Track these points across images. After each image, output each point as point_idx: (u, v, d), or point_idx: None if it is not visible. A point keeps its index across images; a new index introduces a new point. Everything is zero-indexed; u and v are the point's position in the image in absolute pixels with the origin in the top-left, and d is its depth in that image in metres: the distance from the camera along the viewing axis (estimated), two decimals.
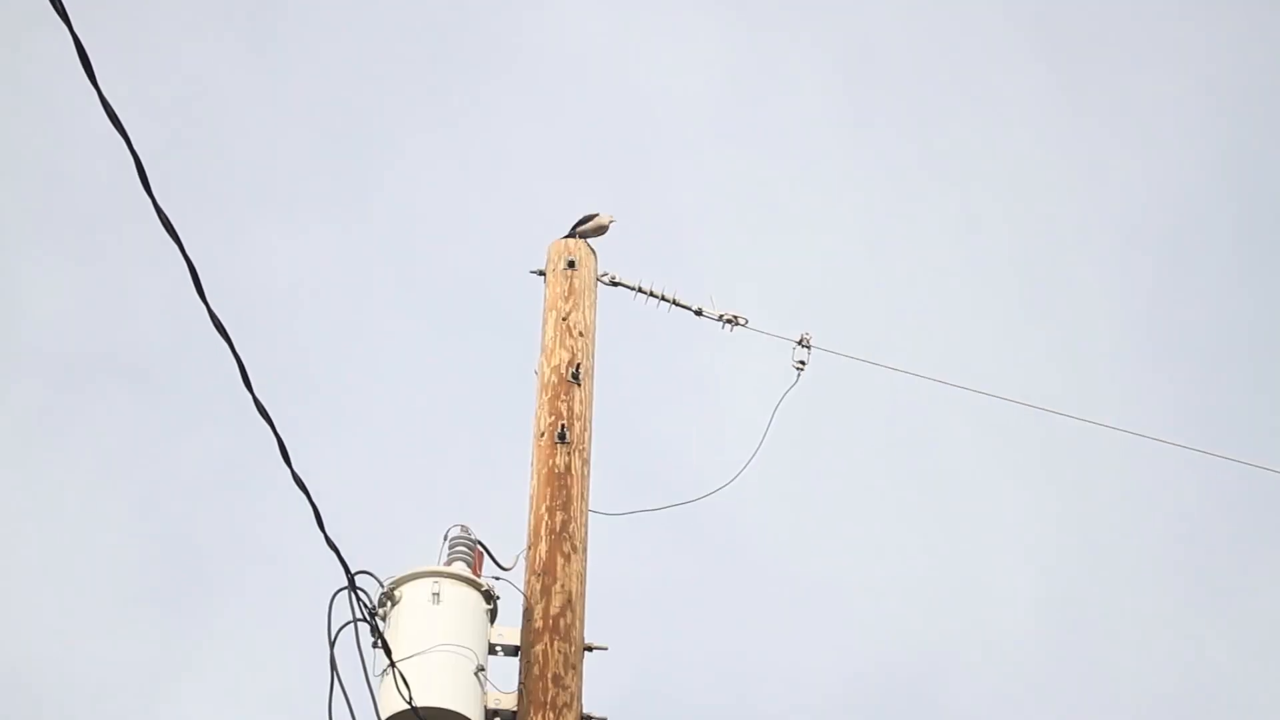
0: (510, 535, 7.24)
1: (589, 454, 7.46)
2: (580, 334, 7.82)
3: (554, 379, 7.63)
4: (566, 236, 8.32)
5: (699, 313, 8.48)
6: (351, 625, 6.19)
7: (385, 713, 6.34)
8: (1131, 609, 18.25)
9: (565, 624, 6.84)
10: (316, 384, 17.33)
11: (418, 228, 19.19)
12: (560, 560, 7.02)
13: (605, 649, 6.90)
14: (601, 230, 8.38)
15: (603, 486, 7.45)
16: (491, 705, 6.60)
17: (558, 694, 6.65)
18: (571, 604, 6.90)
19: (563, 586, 6.94)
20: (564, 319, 7.86)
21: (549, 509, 7.17)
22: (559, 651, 6.75)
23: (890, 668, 17.45)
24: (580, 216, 8.45)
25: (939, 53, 21.02)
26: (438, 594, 6.63)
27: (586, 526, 7.22)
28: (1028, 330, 19.57)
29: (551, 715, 6.58)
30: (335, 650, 6.12)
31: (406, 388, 17.21)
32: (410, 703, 6.26)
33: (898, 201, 20.22)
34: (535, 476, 7.34)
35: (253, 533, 16.76)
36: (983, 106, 21.05)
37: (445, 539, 7.01)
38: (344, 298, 19.04)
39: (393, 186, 19.92)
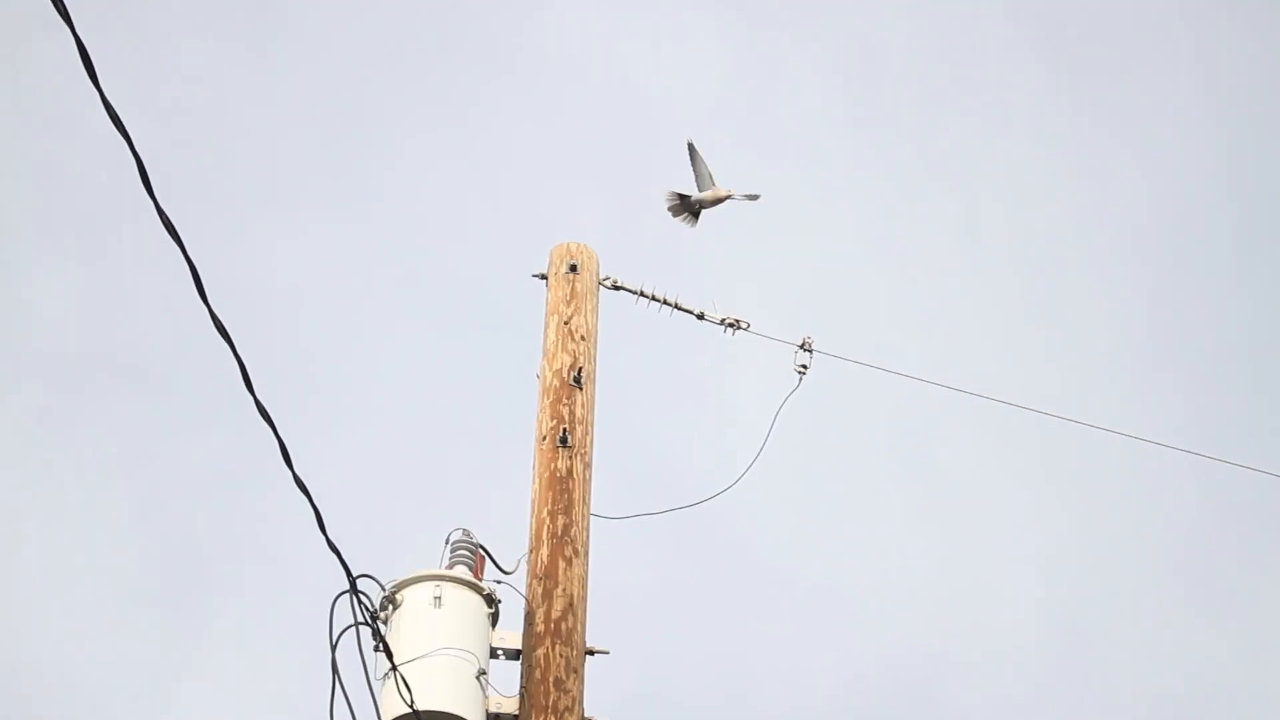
0: (512, 539, 7.25)
1: (590, 458, 7.46)
2: (582, 338, 7.82)
3: (555, 383, 7.63)
4: (677, 205, 8.37)
5: (701, 317, 8.47)
6: (353, 628, 6.19)
7: (387, 716, 6.34)
8: (1133, 611, 18.25)
9: (567, 628, 6.84)
10: (317, 385, 17.33)
11: (419, 229, 19.18)
12: (562, 564, 7.02)
13: (607, 653, 6.90)
14: (719, 201, 8.39)
15: (604, 490, 7.46)
16: (493, 709, 6.60)
17: (559, 698, 6.65)
18: (573, 608, 6.90)
19: (564, 590, 6.94)
20: (566, 323, 7.85)
21: (550, 513, 7.18)
22: (561, 655, 6.75)
23: (892, 670, 17.46)
24: (678, 194, 8.45)
25: (940, 54, 21.02)
26: (439, 597, 6.63)
27: (588, 530, 7.22)
28: (1029, 332, 19.57)
29: (553, 719, 6.59)
30: (336, 653, 6.11)
31: (408, 390, 17.21)
32: (412, 706, 6.26)
33: (899, 203, 20.21)
34: (537, 480, 7.35)
35: (254, 534, 16.76)
36: (984, 108, 21.05)
37: (447, 542, 7.02)
38: (345, 299, 19.04)
39: (394, 187, 19.92)
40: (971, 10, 21.21)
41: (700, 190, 8.71)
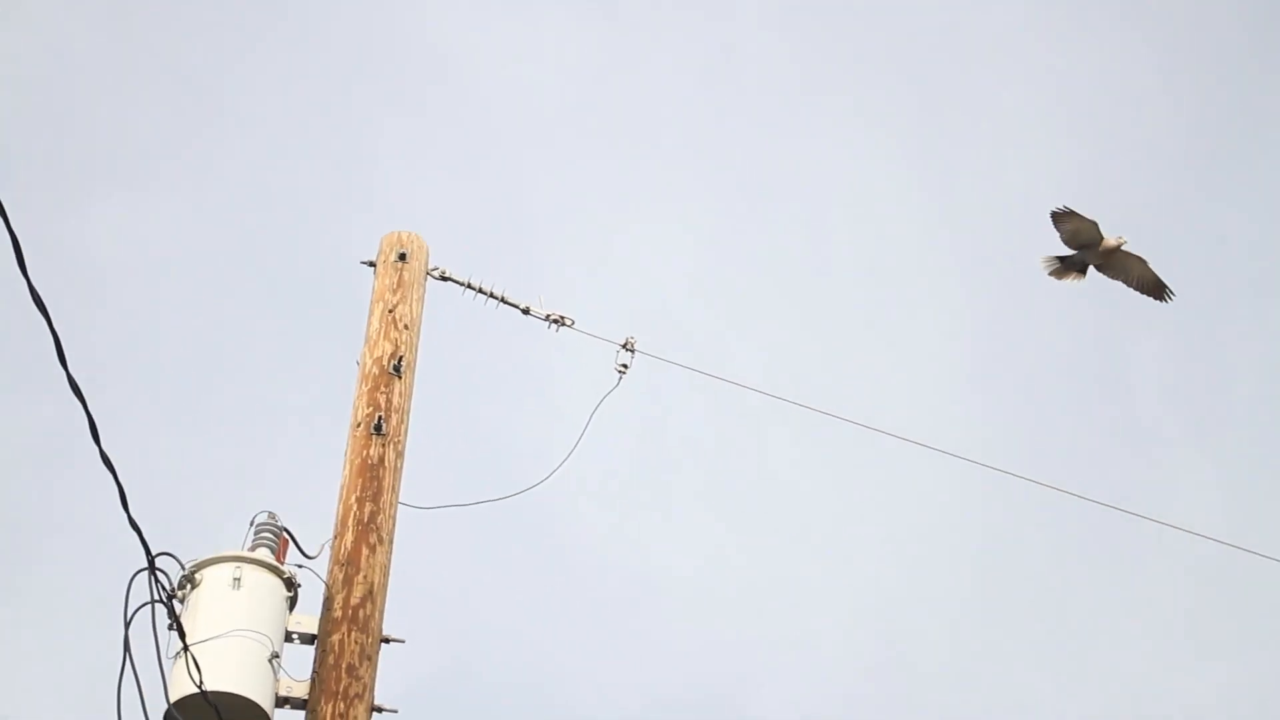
0: (323, 525, 7.24)
1: (404, 446, 7.46)
2: (406, 327, 7.83)
3: (375, 370, 7.64)
4: (1059, 269, 8.52)
5: (526, 311, 8.51)
6: (148, 606, 6.15)
7: (175, 696, 6.29)
8: (946, 620, 18.55)
9: (365, 615, 6.84)
10: (140, 363, 17.15)
11: (257, 209, 19.05)
12: (365, 551, 7.02)
13: (403, 641, 6.91)
14: (1110, 254, 8.49)
15: (424, 480, 7.47)
16: (283, 693, 6.58)
17: (350, 684, 6.65)
18: (373, 595, 6.91)
19: (365, 577, 6.94)
20: (390, 311, 7.86)
21: (359, 500, 7.18)
22: (355, 642, 6.76)
23: (703, 676, 17.59)
24: (1071, 233, 8.55)
25: (789, 59, 21.24)
26: (238, 579, 6.61)
27: (395, 519, 7.23)
28: (860, 341, 19.82)
29: (342, 705, 6.58)
30: (129, 631, 6.07)
31: (236, 375, 17.08)
32: (200, 687, 6.23)
33: (741, 209, 20.39)
34: (348, 466, 7.34)
35: (62, 509, 16.54)
36: (833, 114, 21.30)
37: (251, 524, 7.00)
38: (173, 275, 18.86)
39: (235, 166, 19.76)
40: (822, 18, 21.46)
41: (1076, 246, 8.85)
